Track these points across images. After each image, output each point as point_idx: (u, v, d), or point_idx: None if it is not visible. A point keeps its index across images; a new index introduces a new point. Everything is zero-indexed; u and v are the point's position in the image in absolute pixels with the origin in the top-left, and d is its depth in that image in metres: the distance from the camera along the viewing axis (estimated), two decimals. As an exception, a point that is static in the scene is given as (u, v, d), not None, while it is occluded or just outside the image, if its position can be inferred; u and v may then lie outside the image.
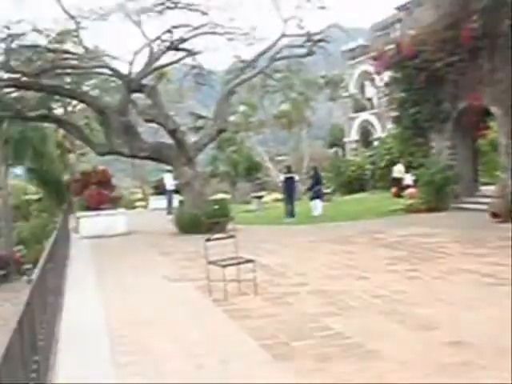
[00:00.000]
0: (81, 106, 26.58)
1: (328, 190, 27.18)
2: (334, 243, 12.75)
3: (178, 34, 17.68)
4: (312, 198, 20.47)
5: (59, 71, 16.90)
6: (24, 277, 16.06)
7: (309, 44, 18.73)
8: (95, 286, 9.34)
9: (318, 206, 20.02)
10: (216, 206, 16.23)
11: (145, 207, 33.82)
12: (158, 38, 17.45)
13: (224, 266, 7.75)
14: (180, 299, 8.08)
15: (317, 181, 20.96)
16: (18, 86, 17.01)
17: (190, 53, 18.45)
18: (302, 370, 4.88)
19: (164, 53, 17.84)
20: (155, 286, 9.18)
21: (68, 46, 17.84)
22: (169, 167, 22.07)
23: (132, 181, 50.57)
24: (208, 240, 8.02)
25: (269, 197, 33.19)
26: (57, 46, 16.89)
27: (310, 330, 6.03)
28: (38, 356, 4.36)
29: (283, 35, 18.72)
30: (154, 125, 24.94)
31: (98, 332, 6.45)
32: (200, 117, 36.58)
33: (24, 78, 16.19)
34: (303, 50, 19.57)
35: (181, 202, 20.83)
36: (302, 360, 5.13)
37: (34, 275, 4.83)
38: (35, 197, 32.57)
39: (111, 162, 37.51)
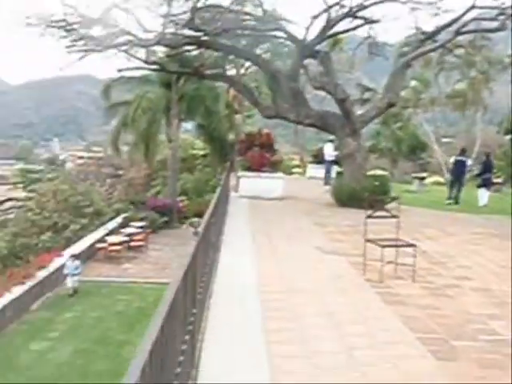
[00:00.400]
0: (251, 69, 27.22)
1: (498, 180, 25.02)
2: (501, 238, 11.61)
3: (357, 0, 17.03)
4: (479, 186, 18.99)
5: (238, 32, 17.25)
6: (183, 225, 17.06)
7: (502, 17, 16.92)
8: (249, 247, 9.48)
9: (483, 196, 18.54)
10: (376, 182, 15.66)
11: (301, 174, 34.05)
12: (338, 3, 16.95)
13: (383, 247, 7.36)
14: (333, 273, 7.86)
15: (487, 168, 19.39)
16: (199, 44, 17.71)
17: (368, 21, 17.70)
18: (465, 373, 4.42)
19: (341, 19, 17.33)
20: (308, 255, 9.07)
21: (248, 8, 18.10)
22: (331, 137, 21.74)
23: (291, 147, 51.29)
24: (369, 217, 7.65)
25: (430, 179, 31.63)
26: (238, 7, 17.21)
27: (473, 332, 5.48)
28: (196, 309, 4.43)
29: (473, 7, 17.12)
30: (319, 94, 24.78)
31: (250, 293, 6.49)
32: (367, 89, 35.52)
33: (205, 37, 16.79)
34: (493, 24, 17.75)
35: (339, 174, 20.50)
36: (465, 363, 4.65)
37: (200, 228, 4.89)
38: (201, 152, 34.39)
39: (273, 126, 38.27)
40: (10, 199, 28.10)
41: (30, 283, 14.08)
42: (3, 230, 22.85)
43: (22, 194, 29.21)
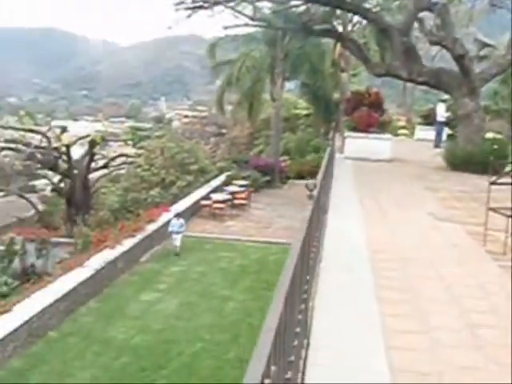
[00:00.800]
0: (359, 25, 26.06)
1: None
2: None
3: None
4: None
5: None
6: (285, 185, 16.91)
7: None
8: (357, 211, 9.11)
9: None
10: (495, 146, 14.50)
11: (407, 136, 32.59)
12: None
13: (509, 216, 6.71)
14: (448, 242, 7.34)
15: None
16: (306, -2, 17.12)
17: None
18: None
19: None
20: (421, 221, 8.56)
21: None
22: (443, 97, 20.46)
23: (397, 108, 49.21)
24: (493, 183, 7.00)
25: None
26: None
27: None
28: (308, 275, 4.22)
29: None
30: (430, 52, 23.25)
31: (360, 260, 6.19)
32: (486, 45, 32.85)
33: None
34: None
35: (451, 136, 19.31)
36: None
37: (315, 192, 4.62)
38: (304, 112, 33.88)
39: (379, 86, 36.69)
40: (121, 155, 29.44)
41: (139, 236, 14.69)
42: (115, 185, 24.08)
43: (132, 150, 30.47)
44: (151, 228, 15.55)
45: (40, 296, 10.34)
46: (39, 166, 27.29)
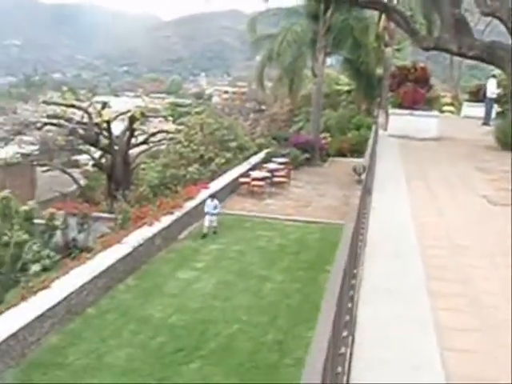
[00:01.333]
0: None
1: None
2: None
3: None
4: None
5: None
6: (325, 163, 16.44)
7: None
8: (403, 193, 8.64)
9: None
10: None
11: (453, 113, 31.43)
12: None
13: None
14: (505, 229, 6.84)
15: None
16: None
17: None
18: None
19: None
20: (473, 205, 8.06)
21: None
22: (494, 72, 19.47)
23: (442, 84, 47.57)
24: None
25: None
26: None
27: None
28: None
29: None
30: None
31: (408, 247, 5.80)
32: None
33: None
34: None
35: (501, 113, 18.40)
36: None
37: (363, 175, 4.25)
38: (346, 88, 33.04)
39: (423, 61, 35.38)
40: (161, 131, 29.39)
41: (178, 213, 14.58)
42: (154, 161, 24.08)
43: (172, 126, 30.43)
44: (189, 205, 15.43)
45: (79, 273, 10.34)
46: (81, 141, 27.53)
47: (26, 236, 10.98)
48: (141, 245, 12.26)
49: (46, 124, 27.50)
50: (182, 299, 10.76)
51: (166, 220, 13.94)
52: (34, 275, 13.70)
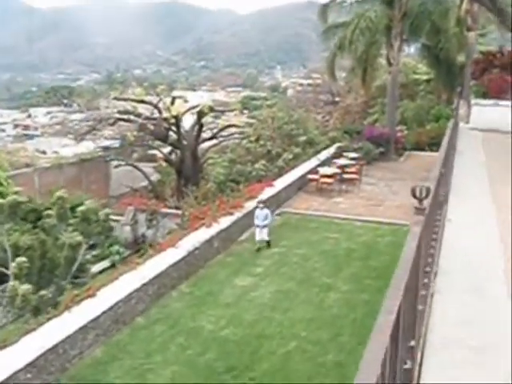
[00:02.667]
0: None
1: None
2: None
3: None
4: None
5: None
6: (401, 158, 15.08)
7: None
8: (487, 202, 7.32)
9: None
10: None
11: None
12: None
13: None
14: None
15: None
16: None
17: None
18: None
19: None
20: None
21: None
22: None
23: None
24: None
25: None
26: None
27: None
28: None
29: None
30: None
31: (492, 274, 4.63)
32: None
33: None
34: None
35: None
36: None
37: (437, 170, 3.21)
38: (424, 77, 31.10)
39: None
40: (230, 125, 28.86)
41: (238, 214, 13.84)
42: (222, 156, 23.54)
43: (243, 120, 29.90)
44: (251, 205, 14.63)
45: (128, 279, 9.82)
46: (151, 136, 27.58)
47: (79, 238, 10.65)
48: (196, 248, 11.61)
49: (118, 120, 27.78)
50: (237, 310, 10.00)
51: (225, 221, 13.23)
52: (92, 276, 13.45)
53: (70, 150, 34.20)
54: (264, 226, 12.75)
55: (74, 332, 7.99)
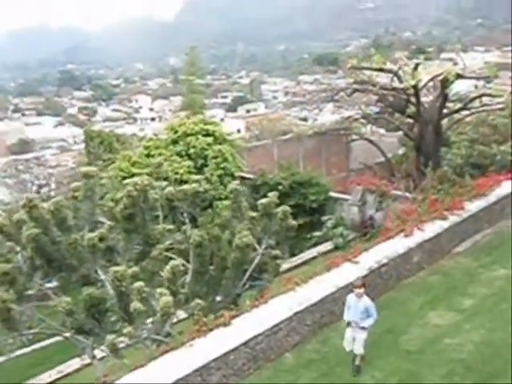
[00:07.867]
0: None
1: None
2: None
3: None
4: None
5: None
6: None
7: None
8: None
9: None
10: None
11: None
12: None
13: None
14: None
15: None
16: None
17: None
18: None
19: None
20: None
21: None
22: None
23: None
24: None
25: None
26: None
27: None
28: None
29: None
30: None
31: None
32: None
33: None
34: None
35: None
36: None
37: None
38: None
39: None
40: (482, 95, 24.14)
41: (455, 218, 10.65)
42: (459, 136, 19.70)
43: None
44: (478, 205, 11.25)
45: (278, 303, 7.92)
46: (389, 109, 25.06)
47: (247, 239, 9.17)
48: (383, 265, 9.06)
49: (355, 90, 25.82)
50: (418, 364, 7.30)
51: (433, 228, 10.25)
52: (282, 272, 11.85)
53: (328, 117, 33.42)
54: (362, 328, 7.33)
55: (190, 372, 6.50)
